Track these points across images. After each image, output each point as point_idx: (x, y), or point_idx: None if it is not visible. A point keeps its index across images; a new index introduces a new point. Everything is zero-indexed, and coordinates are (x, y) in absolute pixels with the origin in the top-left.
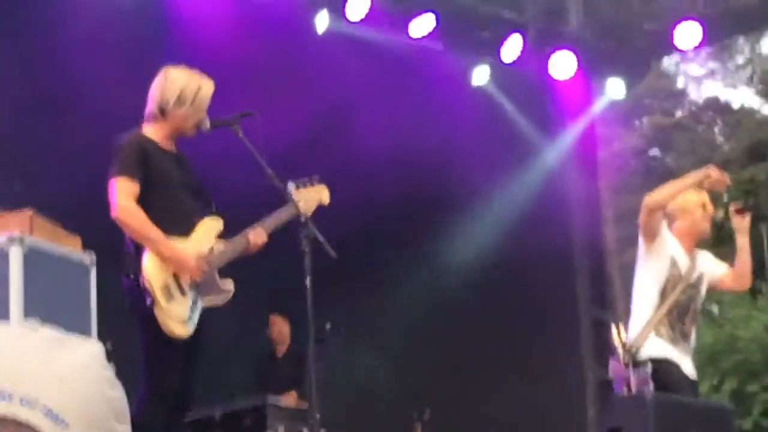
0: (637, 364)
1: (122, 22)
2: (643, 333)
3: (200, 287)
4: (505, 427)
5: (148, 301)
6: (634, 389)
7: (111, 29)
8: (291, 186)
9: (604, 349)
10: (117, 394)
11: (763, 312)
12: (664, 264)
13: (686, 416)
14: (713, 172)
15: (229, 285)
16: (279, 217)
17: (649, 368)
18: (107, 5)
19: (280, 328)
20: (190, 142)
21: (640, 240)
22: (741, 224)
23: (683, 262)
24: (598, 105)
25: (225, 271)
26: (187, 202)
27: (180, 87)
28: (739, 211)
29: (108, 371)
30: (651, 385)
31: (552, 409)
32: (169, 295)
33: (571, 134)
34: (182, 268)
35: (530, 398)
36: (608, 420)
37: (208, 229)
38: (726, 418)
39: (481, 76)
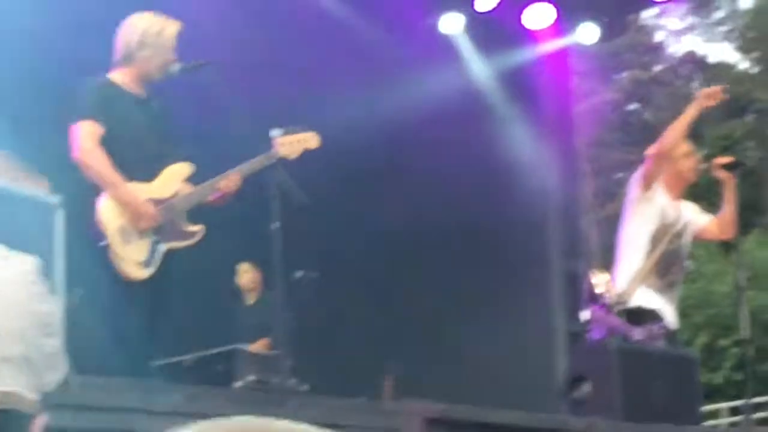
0: (643, 318)
1: None
2: (634, 281)
3: (162, 231)
4: (474, 376)
5: (102, 243)
6: (640, 340)
7: None
8: (276, 131)
9: (575, 300)
10: (46, 308)
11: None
12: (655, 213)
13: (651, 364)
14: (706, 91)
15: (196, 229)
16: (255, 162)
17: (661, 325)
18: None
19: (251, 276)
20: (174, 87)
21: (634, 188)
22: (727, 178)
23: (671, 212)
24: (567, 44)
25: (195, 216)
26: (151, 147)
27: (141, 30)
28: (727, 166)
29: (38, 286)
30: (661, 343)
31: (522, 359)
32: (125, 239)
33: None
34: (136, 214)
35: (500, 348)
36: (574, 368)
37: (174, 174)
38: (690, 367)
39: (450, 23)
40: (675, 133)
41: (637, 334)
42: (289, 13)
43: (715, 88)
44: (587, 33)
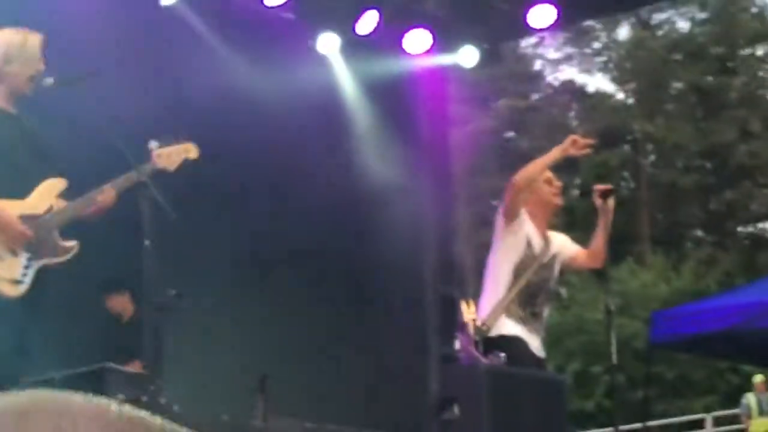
0: (489, 347)
1: None
2: (495, 312)
3: (35, 247)
4: (347, 397)
5: None
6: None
7: None
8: (153, 144)
9: (449, 325)
10: None
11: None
12: (520, 244)
13: (519, 386)
14: (576, 138)
15: (70, 245)
16: (131, 175)
17: (503, 357)
18: None
19: (121, 305)
20: (48, 101)
21: (499, 219)
22: (603, 205)
23: (537, 243)
24: (445, 67)
25: (69, 232)
26: (23, 163)
27: (5, 45)
28: (604, 193)
29: None
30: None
31: (395, 382)
32: None
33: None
34: (5, 231)
35: (374, 371)
36: (445, 390)
37: (47, 190)
38: (558, 389)
39: (327, 43)
40: (534, 169)
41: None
42: (163, 30)
43: (585, 140)
44: (466, 56)
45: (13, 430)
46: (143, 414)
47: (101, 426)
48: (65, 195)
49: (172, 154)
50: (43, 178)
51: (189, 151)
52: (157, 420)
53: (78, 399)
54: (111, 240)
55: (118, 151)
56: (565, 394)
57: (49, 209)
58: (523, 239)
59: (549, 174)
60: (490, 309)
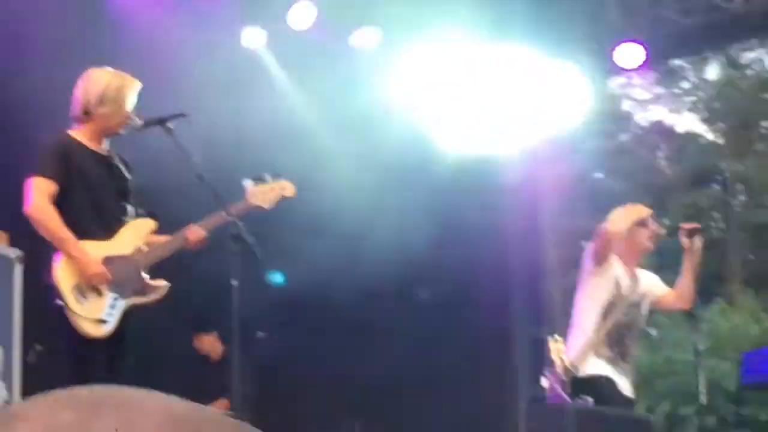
0: (578, 387)
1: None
2: (584, 352)
3: (122, 287)
4: None
5: (58, 302)
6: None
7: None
8: (248, 182)
9: (539, 366)
10: None
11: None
12: (609, 284)
13: (608, 426)
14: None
15: (159, 284)
16: (220, 216)
17: (590, 402)
18: None
19: (209, 344)
20: (137, 144)
21: (587, 262)
22: (690, 245)
23: (625, 283)
24: None
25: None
26: (111, 204)
27: (102, 86)
28: (690, 232)
29: None
30: None
31: (486, 424)
32: (80, 295)
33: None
34: (84, 272)
35: (465, 413)
36: (532, 430)
37: (136, 230)
38: (647, 429)
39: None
40: (626, 220)
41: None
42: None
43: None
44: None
45: (85, 422)
46: (208, 408)
47: (170, 418)
48: (159, 233)
49: (267, 192)
50: (127, 218)
51: (285, 188)
52: (224, 415)
53: (143, 393)
54: (201, 280)
55: (210, 190)
56: None
57: (138, 250)
58: (612, 280)
59: (645, 215)
60: (578, 349)
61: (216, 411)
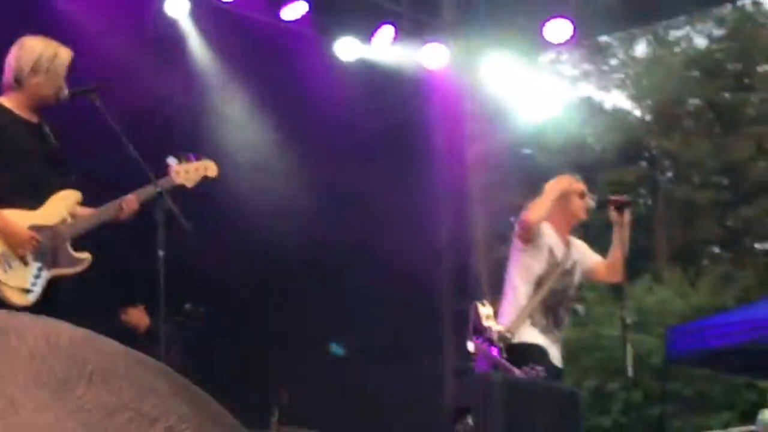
0: (511, 354)
1: None
2: (519, 319)
3: (47, 257)
4: (363, 411)
5: None
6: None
7: None
8: (171, 160)
9: (465, 338)
10: None
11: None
12: (542, 254)
13: (535, 397)
14: (579, 186)
15: (83, 256)
16: (150, 188)
17: (541, 371)
18: None
19: (136, 317)
20: (67, 113)
21: (516, 241)
22: (619, 218)
23: (559, 250)
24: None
25: (81, 244)
26: (40, 173)
27: (36, 55)
28: (620, 205)
29: None
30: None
31: (411, 396)
32: (5, 264)
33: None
34: (11, 241)
35: (390, 384)
36: (459, 400)
37: (62, 200)
38: (574, 402)
39: (346, 50)
40: (545, 206)
41: (517, 374)
42: None
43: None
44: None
45: None
46: (97, 336)
47: (52, 345)
48: (81, 205)
49: (190, 171)
50: (59, 189)
51: (208, 168)
52: (114, 342)
53: (26, 318)
54: (126, 252)
55: (137, 162)
56: (582, 407)
57: (63, 220)
58: (545, 248)
59: (582, 187)
60: (513, 316)
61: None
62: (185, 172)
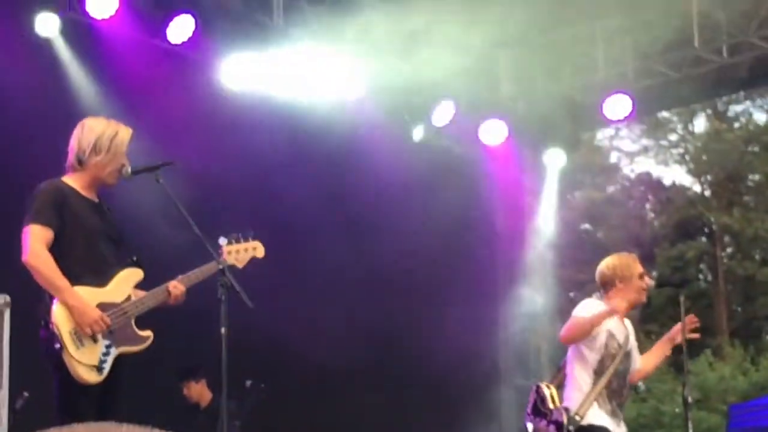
0: None
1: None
2: (585, 404)
3: (114, 335)
4: None
5: (56, 346)
6: None
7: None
8: (222, 240)
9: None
10: None
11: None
12: (598, 342)
13: None
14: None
15: (146, 334)
16: (202, 270)
17: None
18: None
19: (198, 392)
20: (118, 191)
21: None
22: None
23: (620, 333)
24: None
25: (145, 322)
26: (104, 251)
27: (96, 135)
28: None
29: None
30: None
31: None
32: (78, 341)
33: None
34: (83, 320)
35: None
36: None
37: (126, 279)
38: None
39: (418, 133)
40: (580, 330)
41: None
42: None
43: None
44: (554, 157)
45: None
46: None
47: None
48: (142, 286)
49: (240, 251)
50: (122, 267)
51: (256, 249)
52: None
53: (135, 428)
54: (190, 328)
55: (198, 242)
56: None
57: (128, 299)
58: (604, 333)
59: (640, 268)
60: (578, 401)
61: None
62: (236, 252)
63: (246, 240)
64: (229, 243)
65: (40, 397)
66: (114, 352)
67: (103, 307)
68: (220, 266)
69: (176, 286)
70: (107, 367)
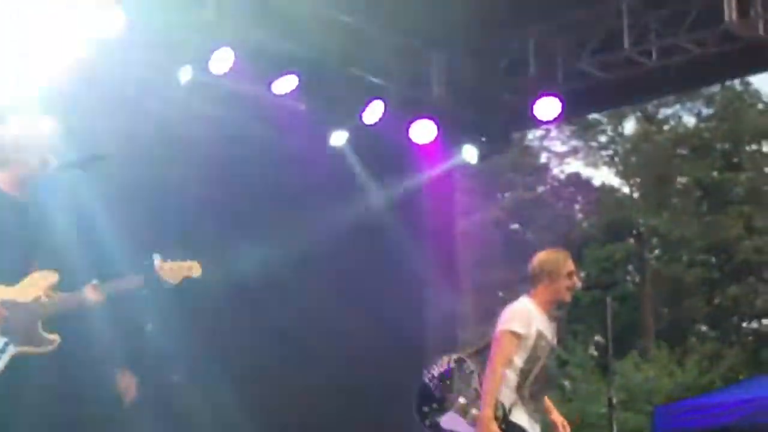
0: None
1: None
2: (512, 397)
3: (14, 333)
4: None
5: None
6: None
7: None
8: (156, 257)
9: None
10: None
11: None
12: (529, 343)
13: None
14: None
15: (52, 337)
16: (127, 282)
17: None
18: None
19: (126, 384)
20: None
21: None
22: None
23: (548, 330)
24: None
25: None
26: (16, 251)
27: (16, 132)
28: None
29: None
30: None
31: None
32: None
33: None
34: None
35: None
36: None
37: (38, 280)
38: None
39: (339, 138)
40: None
41: None
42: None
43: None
44: (469, 153)
45: None
46: None
47: None
48: (57, 288)
49: (174, 269)
50: (34, 266)
51: (192, 269)
52: None
53: None
54: (114, 325)
55: (121, 251)
56: None
57: (37, 299)
58: (531, 338)
59: (572, 266)
60: (508, 394)
61: None
62: (171, 270)
63: (183, 259)
64: (164, 260)
65: None
66: (12, 350)
67: (4, 303)
68: (147, 284)
69: (94, 293)
70: (0, 364)
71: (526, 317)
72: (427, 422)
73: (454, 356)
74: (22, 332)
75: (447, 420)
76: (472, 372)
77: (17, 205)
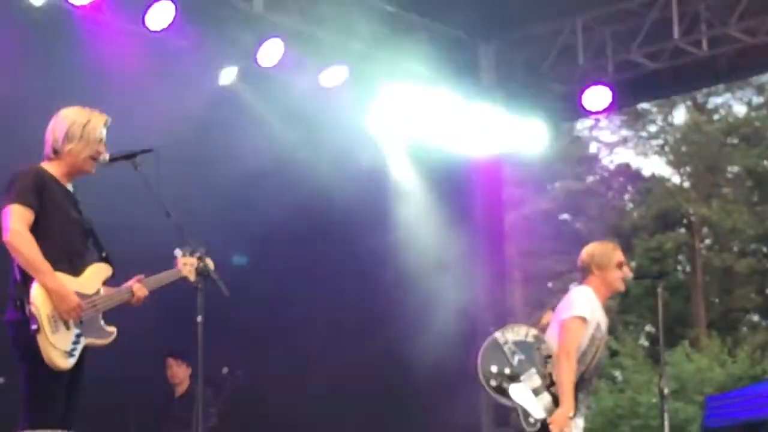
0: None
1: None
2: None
3: (84, 325)
4: None
5: (33, 327)
6: None
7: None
8: (178, 252)
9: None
10: None
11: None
12: (589, 332)
13: None
14: None
15: (112, 329)
16: (161, 277)
17: None
18: None
19: (173, 371)
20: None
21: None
22: None
23: (604, 322)
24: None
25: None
26: (78, 241)
27: (68, 124)
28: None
29: None
30: None
31: None
32: (54, 326)
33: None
34: (62, 305)
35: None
36: None
37: (97, 273)
38: None
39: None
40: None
41: None
42: None
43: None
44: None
45: None
46: None
47: None
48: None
49: (194, 265)
50: (90, 258)
51: (209, 263)
52: None
53: None
54: (167, 318)
55: (176, 227)
56: None
57: (97, 292)
58: (593, 326)
59: (621, 257)
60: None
61: None
62: (190, 265)
63: (199, 254)
64: (184, 255)
65: (15, 382)
66: (83, 341)
67: (78, 296)
68: (176, 277)
69: (140, 288)
70: (77, 355)
71: (590, 305)
72: (493, 383)
73: (533, 330)
74: (89, 324)
75: (516, 391)
76: (549, 357)
77: (70, 195)
